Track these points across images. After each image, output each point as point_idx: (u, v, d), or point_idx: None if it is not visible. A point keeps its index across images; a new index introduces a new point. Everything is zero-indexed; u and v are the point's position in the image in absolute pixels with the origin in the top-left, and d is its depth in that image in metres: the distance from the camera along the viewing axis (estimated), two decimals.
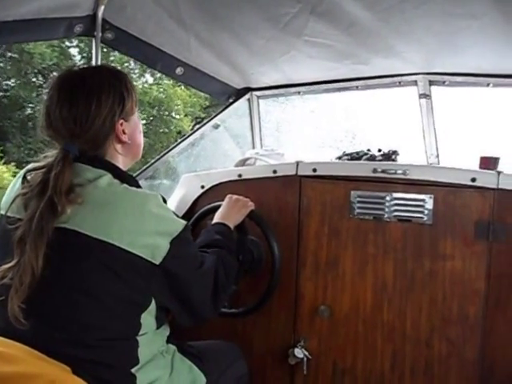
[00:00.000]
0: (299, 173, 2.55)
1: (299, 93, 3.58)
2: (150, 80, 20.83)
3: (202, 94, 17.74)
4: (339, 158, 3.06)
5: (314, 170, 2.52)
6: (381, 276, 2.41)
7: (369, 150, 3.04)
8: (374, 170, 2.42)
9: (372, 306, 2.44)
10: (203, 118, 19.48)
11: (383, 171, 2.41)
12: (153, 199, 1.65)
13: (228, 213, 2.34)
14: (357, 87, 3.43)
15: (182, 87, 19.49)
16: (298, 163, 2.56)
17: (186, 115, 20.90)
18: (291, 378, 2.61)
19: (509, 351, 2.26)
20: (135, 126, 1.84)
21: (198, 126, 3.69)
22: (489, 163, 2.48)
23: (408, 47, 2.82)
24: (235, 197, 2.45)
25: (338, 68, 3.17)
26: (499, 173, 2.26)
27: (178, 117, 20.47)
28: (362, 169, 2.47)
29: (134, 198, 1.63)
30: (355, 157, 3.01)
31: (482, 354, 2.28)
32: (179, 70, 3.05)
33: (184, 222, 1.72)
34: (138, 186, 1.72)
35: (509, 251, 2.23)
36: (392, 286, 2.40)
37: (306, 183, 2.54)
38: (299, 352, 2.54)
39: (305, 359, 2.54)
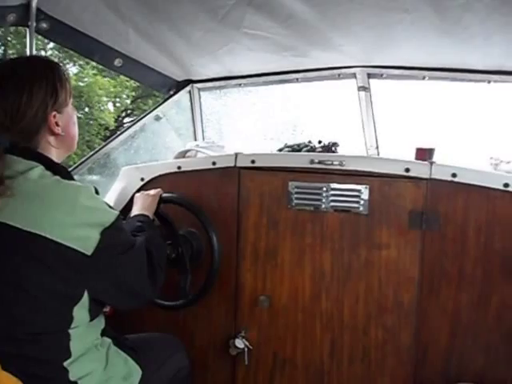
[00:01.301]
0: (238, 164, 2.56)
1: (240, 85, 3.58)
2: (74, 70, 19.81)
3: (129, 84, 17.44)
4: (280, 149, 3.08)
5: (253, 162, 2.54)
6: (318, 266, 2.45)
7: (310, 142, 3.07)
8: (312, 161, 2.45)
9: (310, 295, 2.48)
10: (132, 110, 19.08)
11: (320, 162, 2.44)
12: (84, 191, 1.64)
13: (140, 205, 2.35)
14: (297, 79, 3.45)
15: (107, 77, 18.65)
16: (236, 155, 2.57)
17: (112, 106, 19.99)
18: (233, 368, 2.64)
19: (441, 335, 2.33)
20: (69, 118, 1.82)
21: (137, 118, 3.65)
22: (424, 154, 2.54)
23: (346, 40, 2.86)
24: (141, 192, 2.49)
25: (278, 60, 3.19)
26: (432, 163, 2.32)
27: (102, 108, 19.56)
28: (300, 160, 2.49)
29: (66, 190, 1.62)
30: (296, 149, 3.04)
31: (417, 339, 2.35)
32: (118, 62, 3.01)
33: (116, 213, 1.72)
34: (71, 178, 1.70)
35: (441, 239, 2.30)
36: (329, 276, 2.44)
37: (245, 175, 2.55)
38: (240, 342, 2.56)
39: (246, 349, 2.57)
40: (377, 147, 3.49)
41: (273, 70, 3.39)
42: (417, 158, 2.54)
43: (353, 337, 2.44)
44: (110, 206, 1.75)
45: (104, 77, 18.07)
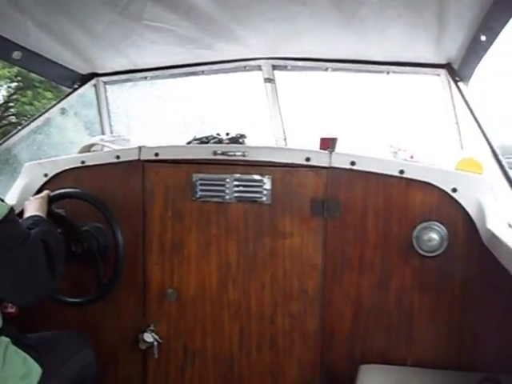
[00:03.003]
0: (142, 157, 2.55)
1: (146, 78, 3.55)
2: None
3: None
4: (189, 142, 3.07)
5: (156, 155, 2.53)
6: (224, 257, 2.48)
7: (218, 135, 3.07)
8: (215, 153, 2.47)
9: (217, 286, 2.50)
10: (8, 104, 18.24)
11: (223, 153, 2.46)
12: None
13: (30, 210, 2.29)
14: (203, 72, 3.45)
15: None
16: (140, 148, 2.56)
17: None
18: (143, 363, 2.63)
19: (345, 320, 2.40)
20: None
21: (40, 112, 3.55)
22: (327, 143, 2.61)
23: (249, 33, 2.88)
24: (29, 198, 2.44)
25: (183, 53, 3.17)
26: (331, 152, 2.38)
27: None
28: (203, 152, 2.51)
29: None
30: (204, 141, 3.04)
31: (322, 325, 2.42)
32: (16, 55, 2.90)
33: (8, 206, 1.71)
34: None
35: (342, 226, 2.37)
36: (236, 266, 2.47)
37: (149, 168, 2.54)
38: (149, 336, 2.56)
39: (155, 343, 2.57)
40: (284, 138, 3.54)
41: (178, 62, 3.38)
42: (321, 148, 2.60)
43: (260, 325, 2.48)
44: (2, 200, 1.72)
45: None
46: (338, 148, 2.62)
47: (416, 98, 3.29)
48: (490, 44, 2.24)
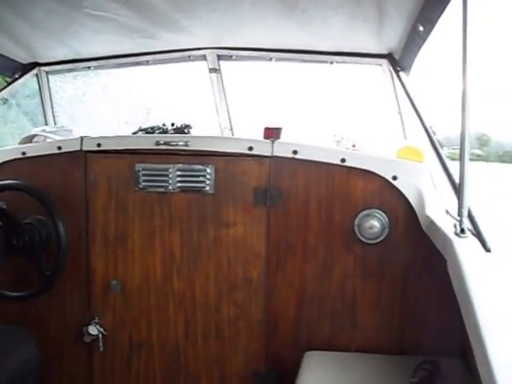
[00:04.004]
0: (84, 148, 2.51)
1: (89, 68, 3.50)
2: None
3: None
4: (135, 133, 3.05)
5: (99, 145, 2.50)
6: (168, 247, 2.47)
7: (164, 125, 3.06)
8: (157, 143, 2.45)
9: (162, 276, 2.49)
10: None
11: (166, 143, 2.45)
12: None
13: None
14: (147, 62, 3.42)
15: None
16: (82, 138, 2.52)
17: None
18: (89, 356, 2.61)
19: (289, 307, 2.43)
20: None
21: None
22: (272, 133, 2.61)
23: (192, 22, 2.86)
24: None
25: (127, 42, 3.14)
26: (273, 141, 2.39)
27: None
28: (146, 142, 2.49)
29: None
30: (150, 132, 3.02)
31: (267, 313, 2.43)
32: None
33: None
34: None
35: (285, 215, 2.39)
36: (180, 256, 2.47)
37: (91, 158, 2.51)
38: (93, 329, 2.54)
39: (100, 336, 2.55)
40: (231, 128, 3.54)
41: (122, 52, 3.34)
42: (265, 137, 2.60)
43: (206, 315, 2.49)
44: None
45: None
46: (283, 138, 2.63)
47: (360, 87, 3.33)
48: (428, 34, 2.28)
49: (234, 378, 2.49)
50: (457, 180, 1.87)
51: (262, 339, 2.46)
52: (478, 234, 1.72)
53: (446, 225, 1.85)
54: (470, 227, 1.78)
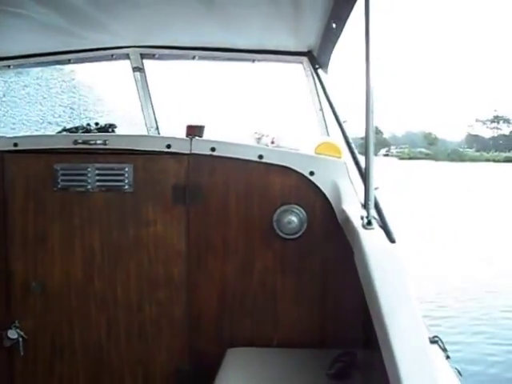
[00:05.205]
0: (0, 148, 2.46)
1: (9, 67, 3.41)
2: None
3: None
4: (59, 133, 3.00)
5: (16, 145, 2.45)
6: (89, 247, 2.44)
7: (88, 125, 3.03)
8: (75, 142, 2.42)
9: (83, 277, 2.46)
10: None
11: (84, 142, 2.42)
12: None
13: None
14: (69, 60, 3.36)
15: None
16: None
17: None
18: (9, 361, 2.54)
19: (211, 304, 2.44)
20: None
21: None
22: (194, 131, 2.61)
23: (113, 21, 2.83)
24: None
25: (46, 41, 3.08)
26: (192, 139, 2.40)
27: None
28: (64, 141, 2.46)
29: None
30: (74, 131, 2.98)
31: (189, 311, 2.44)
32: None
33: None
34: None
35: (204, 212, 2.39)
36: (100, 256, 2.44)
37: (8, 158, 2.46)
38: (13, 333, 2.48)
39: (20, 340, 2.49)
40: (157, 128, 3.52)
41: (43, 50, 3.27)
42: (187, 135, 2.60)
43: (128, 314, 2.47)
44: None
45: None
46: (207, 135, 2.64)
47: (284, 85, 3.37)
48: (340, 31, 2.33)
49: (157, 376, 2.48)
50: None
51: (184, 337, 2.46)
52: (384, 226, 1.76)
53: (357, 218, 1.89)
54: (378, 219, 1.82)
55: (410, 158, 64.76)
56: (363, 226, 1.73)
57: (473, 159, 65.19)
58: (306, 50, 2.96)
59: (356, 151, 2.40)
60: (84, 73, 3.48)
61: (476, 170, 46.45)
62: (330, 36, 2.46)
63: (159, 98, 3.50)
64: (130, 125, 3.18)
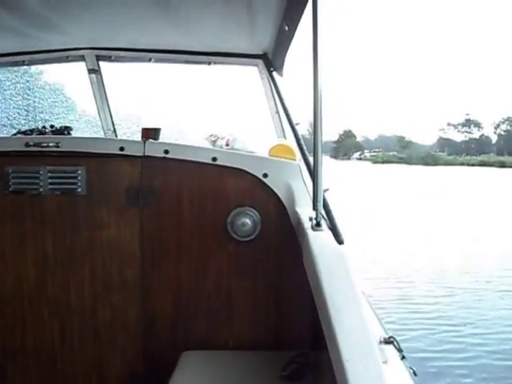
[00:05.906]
0: None
1: None
2: None
3: None
4: (14, 135, 2.97)
5: None
6: (41, 251, 2.41)
7: (44, 127, 2.99)
8: (27, 144, 2.39)
9: (35, 282, 2.43)
10: None
11: (36, 145, 2.39)
12: None
13: None
14: (23, 62, 3.31)
15: None
16: None
17: None
18: None
19: (166, 307, 2.43)
20: None
21: None
22: (150, 133, 2.60)
23: (67, 22, 2.80)
24: None
25: (0, 42, 3.03)
26: (145, 141, 2.39)
27: None
28: (15, 143, 2.43)
29: None
30: (28, 134, 2.94)
31: (143, 314, 2.42)
32: None
33: None
34: None
35: (158, 214, 2.38)
36: (53, 260, 2.41)
37: None
38: None
39: None
40: (114, 131, 3.48)
41: None
42: (143, 138, 2.59)
43: (82, 319, 2.44)
44: None
45: None
46: (164, 138, 2.63)
47: (240, 88, 3.38)
48: (293, 34, 2.34)
49: (112, 380, 2.46)
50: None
51: (139, 340, 2.44)
52: (332, 227, 1.78)
53: (308, 220, 1.90)
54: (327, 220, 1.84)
55: (384, 162, 65.44)
56: (312, 228, 1.74)
57: (447, 163, 66.09)
58: (260, 52, 2.97)
59: (307, 153, 2.41)
60: (42, 74, 3.43)
61: (452, 173, 46.73)
62: (283, 39, 2.48)
63: (117, 100, 3.46)
64: (88, 128, 3.14)
